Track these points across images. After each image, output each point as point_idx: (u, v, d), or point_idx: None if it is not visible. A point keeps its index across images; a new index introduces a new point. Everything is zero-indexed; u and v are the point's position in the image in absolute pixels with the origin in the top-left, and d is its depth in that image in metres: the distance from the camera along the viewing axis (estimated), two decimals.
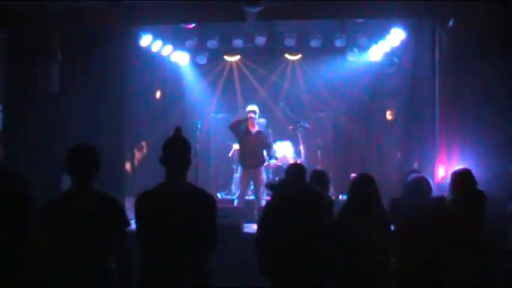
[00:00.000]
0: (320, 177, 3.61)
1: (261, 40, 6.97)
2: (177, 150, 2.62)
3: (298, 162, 6.95)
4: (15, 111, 5.11)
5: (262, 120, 6.71)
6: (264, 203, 6.12)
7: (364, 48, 7.23)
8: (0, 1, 4.75)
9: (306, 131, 7.50)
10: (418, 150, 5.94)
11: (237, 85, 8.07)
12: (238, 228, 5.23)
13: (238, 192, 6.48)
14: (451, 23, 4.81)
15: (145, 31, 6.49)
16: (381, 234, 3.06)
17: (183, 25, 6.42)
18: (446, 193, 3.41)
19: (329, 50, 7.53)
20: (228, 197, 7.38)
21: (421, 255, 3.07)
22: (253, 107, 6.43)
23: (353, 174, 3.49)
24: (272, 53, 7.85)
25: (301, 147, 7.43)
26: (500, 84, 4.49)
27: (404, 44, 6.45)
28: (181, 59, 7.73)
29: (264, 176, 6.38)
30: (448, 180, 3.43)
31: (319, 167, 6.89)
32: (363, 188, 3.13)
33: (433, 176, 4.82)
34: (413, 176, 3.43)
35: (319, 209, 2.90)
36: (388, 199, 3.60)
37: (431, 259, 3.05)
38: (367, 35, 6.97)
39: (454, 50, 4.78)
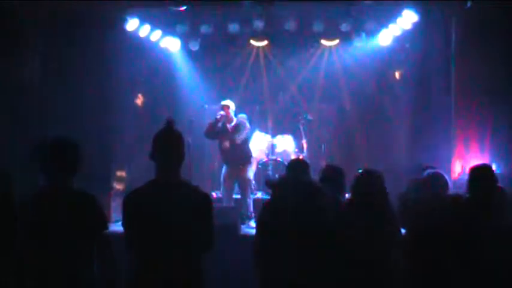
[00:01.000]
0: (335, 175, 3.54)
1: (259, 24, 7.04)
2: (168, 143, 2.60)
3: (301, 157, 7.05)
4: None
5: (242, 116, 6.59)
6: (251, 203, 6.13)
7: (372, 33, 7.26)
8: None
9: (309, 123, 7.57)
10: (430, 144, 5.97)
11: (234, 73, 8.14)
12: (235, 229, 5.25)
13: (221, 193, 6.42)
14: (469, 5, 4.81)
15: (132, 15, 6.53)
16: (386, 237, 3.07)
17: (173, 8, 6.46)
18: (463, 190, 3.39)
19: (333, 35, 7.59)
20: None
21: (434, 256, 3.09)
22: (226, 102, 6.38)
23: (359, 171, 3.42)
24: (274, 40, 7.93)
25: (304, 141, 7.50)
26: None
27: (416, 28, 6.44)
28: (172, 45, 7.75)
29: (250, 175, 6.35)
30: (466, 176, 3.40)
31: (323, 163, 6.99)
32: (368, 186, 3.15)
33: (449, 172, 4.87)
34: (429, 172, 3.43)
35: (322, 209, 2.92)
36: (397, 197, 3.62)
37: (445, 260, 3.07)
38: (376, 19, 6.98)
39: (472, 34, 4.80)
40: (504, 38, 4.61)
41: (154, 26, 6.99)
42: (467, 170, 3.44)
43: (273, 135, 7.85)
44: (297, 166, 3.44)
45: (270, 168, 7.35)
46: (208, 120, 6.32)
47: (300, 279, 2.77)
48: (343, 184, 3.57)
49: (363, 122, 7.84)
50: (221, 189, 6.47)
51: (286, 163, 5.74)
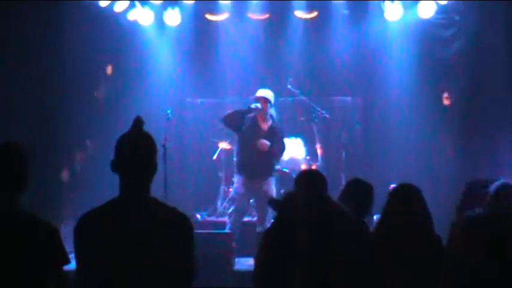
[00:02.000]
0: (360, 192, 3.66)
1: None
2: (136, 150, 2.62)
3: (313, 168, 7.27)
4: None
5: (272, 112, 6.88)
6: None
7: (408, 2, 7.53)
8: None
9: (325, 122, 7.80)
10: (488, 149, 6.18)
11: (225, 56, 8.25)
12: (227, 263, 5.43)
13: (231, 211, 6.65)
14: None
15: None
16: (431, 273, 3.13)
17: None
18: None
19: (357, 5, 7.88)
20: (212, 218, 7.63)
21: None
22: (266, 92, 6.59)
23: (392, 185, 3.50)
24: (276, 11, 8.05)
25: (318, 146, 7.73)
26: None
27: None
28: (142, 18, 7.88)
29: (273, 190, 6.56)
30: None
31: (344, 175, 7.11)
32: (405, 206, 3.25)
33: None
34: (499, 184, 3.51)
35: (344, 237, 2.99)
36: (442, 219, 3.72)
37: None
38: None
39: None
40: None
41: None
42: None
43: None
44: (308, 179, 3.51)
45: (273, 181, 7.45)
46: (228, 110, 6.58)
47: None
48: (370, 204, 3.69)
49: (399, 121, 8.02)
50: (231, 210, 6.70)
51: (294, 175, 5.87)
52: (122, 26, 7.75)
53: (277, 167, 6.92)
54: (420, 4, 7.41)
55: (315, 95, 8.15)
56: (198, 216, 7.78)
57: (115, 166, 2.64)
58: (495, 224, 3.33)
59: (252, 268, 3.24)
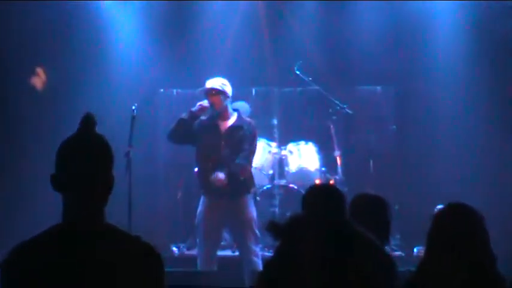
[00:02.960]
0: (376, 214, 3.81)
1: None
2: (84, 160, 2.63)
3: (331, 183, 7.60)
4: None
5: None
6: (258, 261, 6.53)
7: None
8: None
9: (347, 121, 8.17)
10: None
11: (210, 35, 8.65)
12: None
13: (197, 246, 6.81)
14: None
15: None
16: None
17: None
18: None
19: None
20: (193, 252, 7.65)
21: None
22: (214, 82, 6.77)
23: (438, 207, 3.66)
24: None
25: (337, 154, 8.08)
26: None
27: None
28: None
29: (252, 211, 6.71)
30: None
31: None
32: (457, 236, 3.31)
33: None
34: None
35: (371, 279, 2.94)
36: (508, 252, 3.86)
37: None
38: None
39: None
40: None
41: None
42: None
43: (282, 144, 8.31)
44: (323, 199, 3.54)
45: (275, 201, 7.78)
46: (175, 114, 6.87)
47: None
48: (386, 230, 3.88)
49: (447, 119, 8.26)
50: (197, 241, 6.81)
51: (304, 192, 5.94)
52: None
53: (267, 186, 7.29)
54: None
55: (332, 83, 8.43)
56: (175, 249, 8.00)
57: (56, 182, 2.63)
58: None
59: None
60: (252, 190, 6.91)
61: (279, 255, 3.07)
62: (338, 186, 6.17)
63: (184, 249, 8.01)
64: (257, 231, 6.70)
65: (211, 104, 6.69)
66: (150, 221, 7.78)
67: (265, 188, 8.03)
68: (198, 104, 6.70)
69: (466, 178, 7.80)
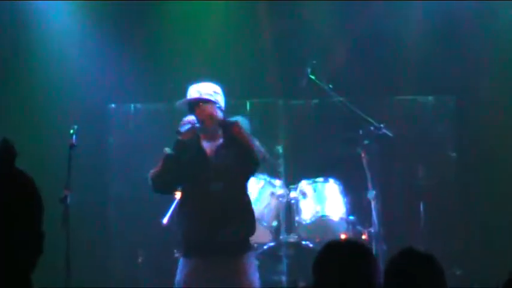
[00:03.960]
0: (423, 278, 3.76)
1: None
2: None
3: (364, 238, 7.35)
4: None
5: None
6: None
7: None
8: None
9: (384, 146, 7.83)
10: None
11: (180, 34, 8.78)
12: None
13: None
14: None
15: None
16: None
17: None
18: None
19: None
20: None
21: None
22: (207, 88, 6.62)
23: None
24: None
25: (371, 195, 7.69)
26: None
27: None
28: None
29: (253, 277, 6.49)
30: None
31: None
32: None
33: None
34: None
35: None
36: None
37: None
38: None
39: None
40: None
41: None
42: None
43: (291, 182, 8.06)
44: (350, 263, 3.60)
45: (282, 266, 7.59)
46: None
47: None
48: None
49: None
50: None
51: (318, 248, 5.70)
52: None
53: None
54: None
55: (363, 93, 8.34)
56: None
57: None
58: None
59: None
60: (253, 248, 6.80)
61: None
62: (373, 243, 6.37)
63: None
64: None
65: (202, 121, 6.37)
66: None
67: (266, 247, 7.62)
68: (186, 120, 6.31)
69: None
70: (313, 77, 7.77)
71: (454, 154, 8.33)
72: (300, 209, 7.91)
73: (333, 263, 3.58)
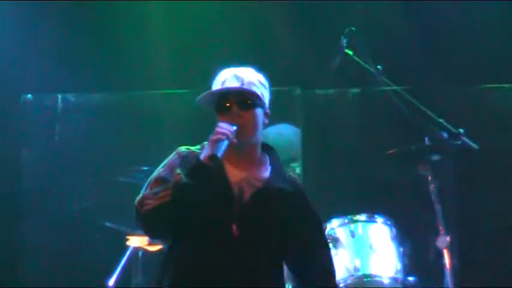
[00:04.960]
0: None
1: None
2: None
3: None
4: None
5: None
6: None
7: None
8: None
9: (465, 163, 7.69)
10: None
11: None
12: None
13: None
14: None
15: None
16: None
17: None
18: None
19: None
20: None
21: None
22: (250, 75, 5.38)
23: None
24: None
25: (443, 242, 7.11)
26: None
27: None
28: None
29: None
30: None
31: None
32: None
33: None
34: None
35: None
36: None
37: None
38: None
39: None
40: None
41: None
42: None
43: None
44: None
45: None
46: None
47: None
48: None
49: None
50: None
51: None
52: None
53: None
54: None
55: (430, 79, 8.07)
56: None
57: None
58: None
59: None
60: None
61: None
62: None
63: None
64: None
65: (240, 132, 5.12)
66: None
67: None
68: (222, 129, 5.01)
69: None
70: (350, 53, 6.91)
71: None
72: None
73: None
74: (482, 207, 7.77)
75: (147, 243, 7.72)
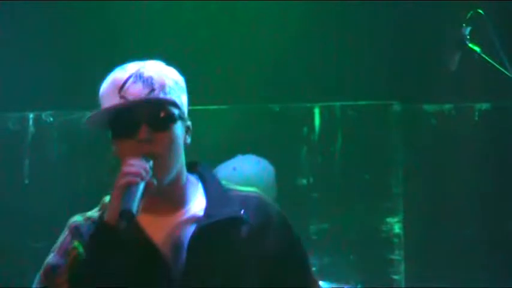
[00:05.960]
0: None
1: None
2: None
3: None
4: None
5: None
6: None
7: None
8: None
9: None
10: None
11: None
12: None
13: None
14: None
15: None
16: None
17: None
18: None
19: None
20: None
21: None
22: (157, 70, 4.65)
23: None
24: None
25: None
26: None
27: None
28: None
29: None
30: None
31: None
32: None
33: None
34: None
35: None
36: None
37: None
38: None
39: None
40: None
41: None
42: None
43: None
44: None
45: None
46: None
47: None
48: None
49: None
50: None
51: None
52: None
53: None
54: None
55: None
56: None
57: None
58: None
59: None
60: None
61: None
62: None
63: None
64: None
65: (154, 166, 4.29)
66: None
67: None
68: (131, 165, 3.92)
69: None
70: (477, 49, 5.34)
71: None
72: None
73: None
74: None
75: None
